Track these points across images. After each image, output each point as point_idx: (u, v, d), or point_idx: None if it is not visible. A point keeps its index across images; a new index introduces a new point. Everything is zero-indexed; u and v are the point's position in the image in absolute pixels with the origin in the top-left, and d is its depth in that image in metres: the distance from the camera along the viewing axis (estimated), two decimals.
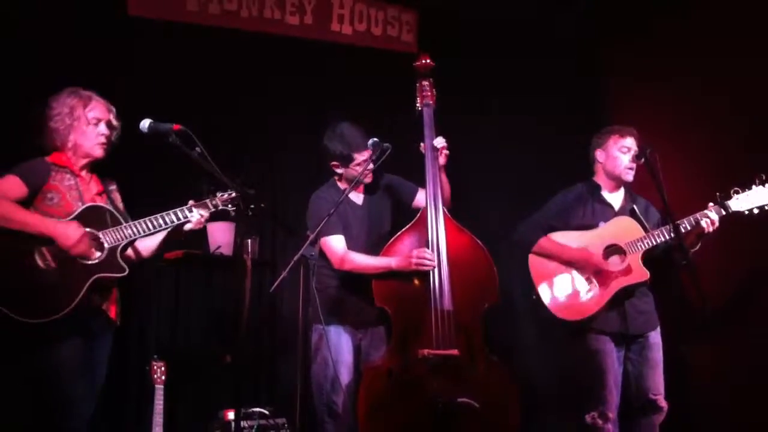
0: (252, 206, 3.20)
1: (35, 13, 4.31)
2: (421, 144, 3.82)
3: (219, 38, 4.80)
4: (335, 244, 3.70)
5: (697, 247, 3.68)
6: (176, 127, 3.04)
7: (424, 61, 3.90)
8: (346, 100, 4.92)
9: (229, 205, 3.29)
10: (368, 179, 3.84)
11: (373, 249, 3.76)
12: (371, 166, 3.64)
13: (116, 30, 4.49)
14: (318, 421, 3.68)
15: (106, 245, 3.07)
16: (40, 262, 2.97)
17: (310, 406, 3.69)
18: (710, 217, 3.60)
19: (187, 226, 3.23)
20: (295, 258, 3.26)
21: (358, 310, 3.75)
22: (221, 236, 4.34)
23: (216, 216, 3.36)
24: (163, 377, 3.81)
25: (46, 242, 2.98)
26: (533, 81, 5.33)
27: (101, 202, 3.20)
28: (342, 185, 3.88)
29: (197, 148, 2.99)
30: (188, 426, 4.27)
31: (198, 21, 4.77)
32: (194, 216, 3.21)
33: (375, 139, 3.69)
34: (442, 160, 3.77)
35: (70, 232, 2.99)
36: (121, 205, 3.32)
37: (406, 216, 3.90)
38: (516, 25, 5.32)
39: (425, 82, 3.88)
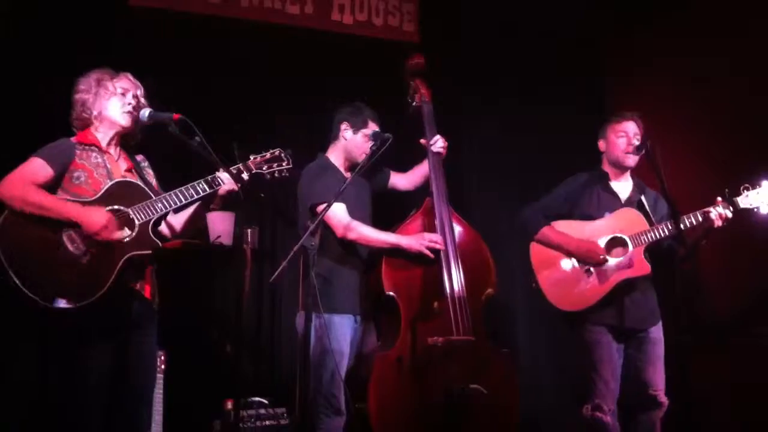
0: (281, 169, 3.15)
1: (35, 3, 4.30)
2: (422, 140, 3.85)
3: (219, 27, 4.79)
4: (338, 211, 3.60)
5: (704, 242, 3.63)
6: (176, 116, 3.03)
7: (417, 60, 3.87)
8: (347, 90, 4.90)
9: (264, 167, 3.16)
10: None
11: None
12: (373, 157, 3.57)
13: (117, 19, 4.48)
14: (315, 412, 3.49)
15: (136, 222, 2.96)
16: (70, 246, 2.86)
17: (309, 396, 3.66)
18: (718, 212, 3.52)
19: (222, 189, 3.10)
20: (296, 248, 3.21)
21: (361, 301, 3.70)
22: (221, 226, 4.32)
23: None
24: (163, 366, 3.81)
25: (74, 225, 2.86)
26: (535, 71, 5.32)
27: (131, 178, 3.10)
28: (334, 158, 3.81)
29: (197, 137, 2.97)
30: (188, 415, 4.26)
31: (199, 10, 4.76)
32: (224, 176, 3.08)
33: (376, 129, 3.69)
34: (443, 152, 3.84)
35: (95, 218, 2.85)
36: (153, 181, 3.22)
37: (381, 197, 3.97)
38: (518, 20, 5.31)
39: (418, 81, 3.86)
